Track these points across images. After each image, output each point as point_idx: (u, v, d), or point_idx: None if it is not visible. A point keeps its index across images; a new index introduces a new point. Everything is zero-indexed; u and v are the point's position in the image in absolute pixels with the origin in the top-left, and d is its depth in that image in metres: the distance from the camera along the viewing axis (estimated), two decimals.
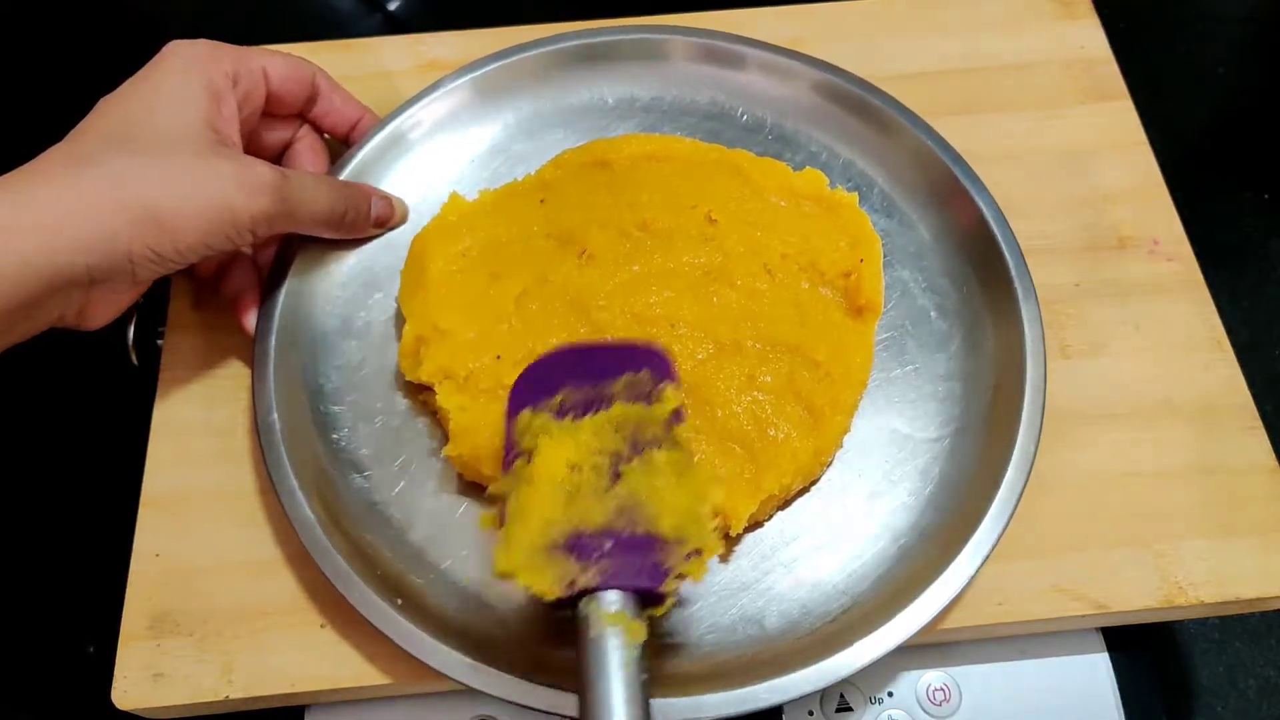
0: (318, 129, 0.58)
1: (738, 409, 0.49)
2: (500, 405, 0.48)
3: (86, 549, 0.61)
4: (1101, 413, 0.53)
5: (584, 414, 0.43)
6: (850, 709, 0.50)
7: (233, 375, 0.54)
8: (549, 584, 0.39)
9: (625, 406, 0.43)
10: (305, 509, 0.47)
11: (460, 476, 0.50)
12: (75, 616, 0.60)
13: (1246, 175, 0.75)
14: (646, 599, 0.40)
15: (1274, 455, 0.52)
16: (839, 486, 0.51)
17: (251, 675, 0.47)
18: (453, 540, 0.49)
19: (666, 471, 0.42)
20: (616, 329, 0.51)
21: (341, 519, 0.48)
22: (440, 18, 0.82)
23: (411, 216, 0.58)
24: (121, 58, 0.50)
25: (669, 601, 0.41)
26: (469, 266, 0.54)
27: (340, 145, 0.59)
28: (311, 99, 0.56)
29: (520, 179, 0.58)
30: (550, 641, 0.46)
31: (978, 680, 0.51)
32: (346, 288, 0.56)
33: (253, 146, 0.55)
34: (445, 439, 0.50)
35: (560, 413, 0.43)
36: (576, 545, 0.40)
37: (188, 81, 0.48)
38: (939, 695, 0.50)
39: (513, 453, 0.43)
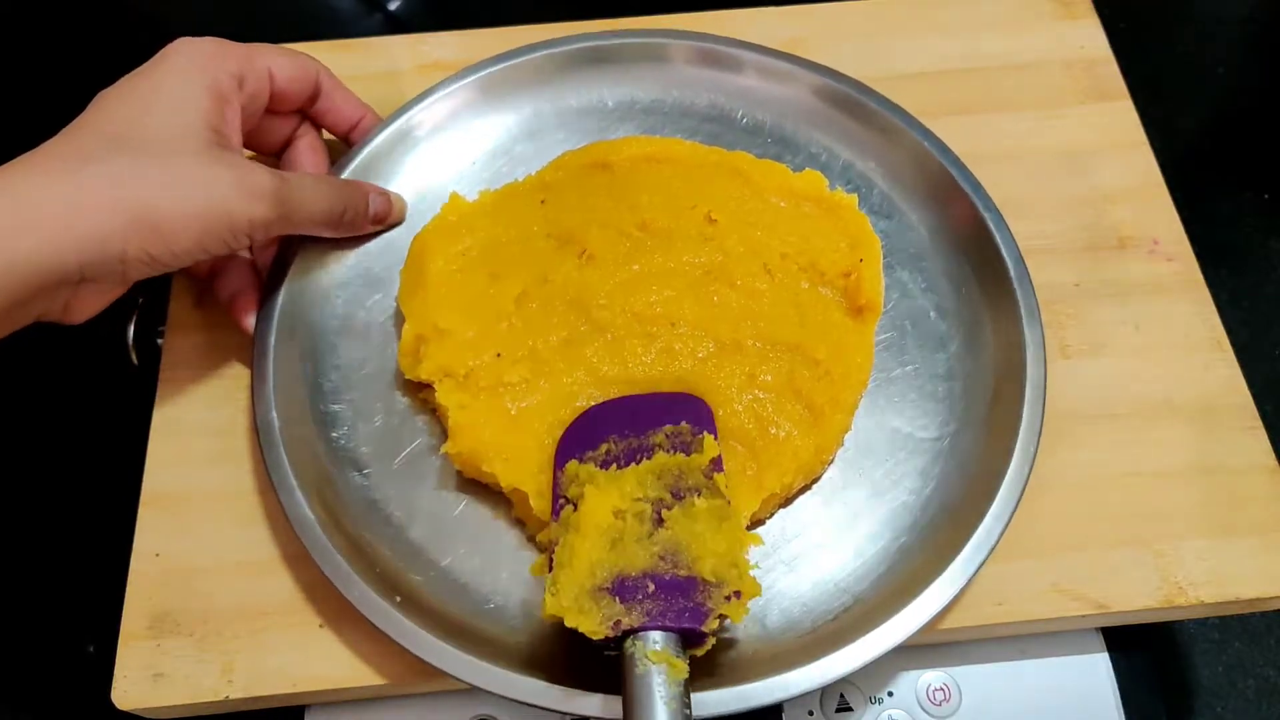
0: (318, 126, 0.57)
1: (739, 407, 0.49)
2: (500, 402, 0.49)
3: (86, 549, 0.61)
4: (1101, 413, 0.53)
5: (627, 463, 0.45)
6: (850, 709, 0.50)
7: (233, 375, 0.54)
8: (596, 625, 0.41)
9: (667, 456, 0.45)
10: (305, 508, 0.47)
11: (459, 474, 0.50)
12: (75, 616, 0.60)
13: (1246, 175, 0.75)
14: (688, 639, 0.42)
15: (1274, 455, 0.52)
16: (840, 485, 0.51)
17: (251, 675, 0.47)
18: (452, 537, 0.49)
19: (706, 517, 0.43)
20: (616, 328, 0.51)
21: (341, 518, 0.48)
22: (440, 18, 0.82)
23: (411, 216, 0.58)
24: (122, 57, 0.50)
25: (710, 641, 0.43)
26: (469, 266, 0.54)
27: (340, 145, 0.59)
28: (314, 96, 0.56)
29: (521, 180, 0.58)
30: (550, 640, 0.46)
31: (978, 680, 0.51)
32: (346, 287, 0.56)
33: (253, 142, 0.55)
34: (445, 436, 0.50)
35: (605, 463, 0.45)
36: (621, 588, 0.42)
37: (190, 81, 0.47)
38: (939, 695, 0.50)
39: (559, 501, 0.45)
